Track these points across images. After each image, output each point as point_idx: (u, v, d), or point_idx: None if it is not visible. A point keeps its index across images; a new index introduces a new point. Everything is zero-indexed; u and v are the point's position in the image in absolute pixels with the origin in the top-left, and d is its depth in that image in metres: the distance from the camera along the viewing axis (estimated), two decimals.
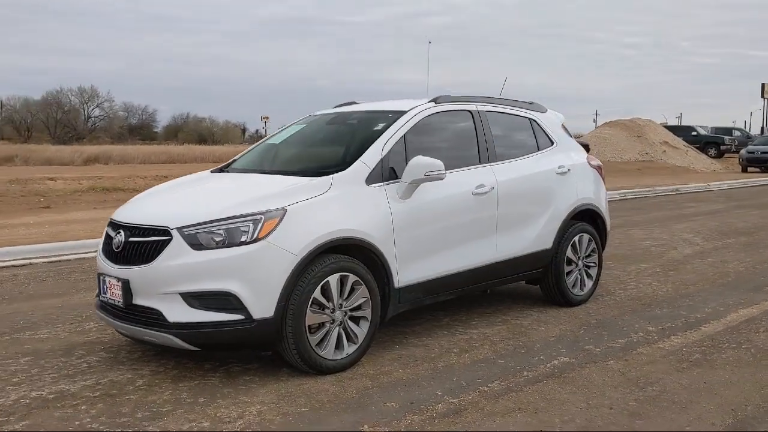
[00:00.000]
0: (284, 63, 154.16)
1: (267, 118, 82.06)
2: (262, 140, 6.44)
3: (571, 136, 6.77)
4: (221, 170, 5.75)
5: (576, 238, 6.34)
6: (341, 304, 4.63)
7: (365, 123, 5.55)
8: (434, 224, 5.18)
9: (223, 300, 4.27)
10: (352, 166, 4.90)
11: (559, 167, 6.25)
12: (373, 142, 5.08)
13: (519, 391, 4.37)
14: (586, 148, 7.03)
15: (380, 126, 5.28)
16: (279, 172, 5.25)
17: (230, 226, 4.34)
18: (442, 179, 5.03)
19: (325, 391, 4.35)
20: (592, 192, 6.58)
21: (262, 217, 4.37)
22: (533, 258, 6.00)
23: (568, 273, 6.34)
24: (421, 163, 4.97)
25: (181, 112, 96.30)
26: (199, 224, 4.35)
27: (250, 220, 4.36)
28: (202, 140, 74.48)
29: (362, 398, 4.24)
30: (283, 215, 4.43)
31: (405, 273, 4.98)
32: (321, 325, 4.56)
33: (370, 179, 4.90)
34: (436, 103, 5.60)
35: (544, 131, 6.35)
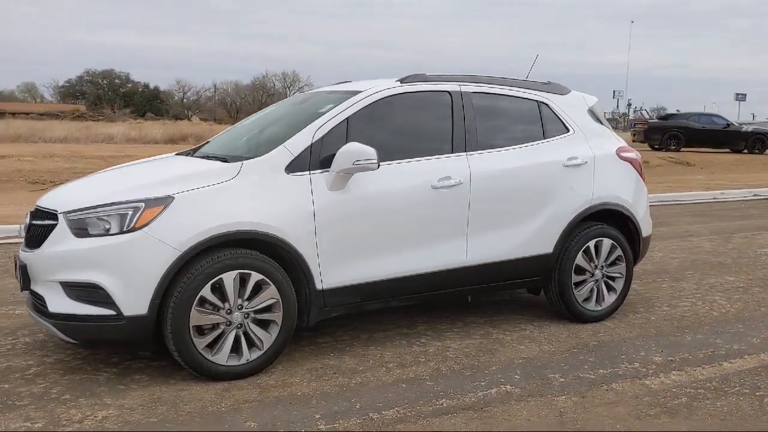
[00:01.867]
0: (475, 45, 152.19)
1: None
2: (240, 121, 6.08)
3: (602, 122, 5.74)
4: (187, 153, 5.48)
5: (591, 243, 5.37)
6: (241, 305, 4.18)
7: (315, 105, 5.00)
8: (375, 220, 4.56)
9: (93, 292, 3.98)
10: (271, 152, 4.41)
11: (570, 159, 5.31)
12: (307, 125, 4.55)
13: (412, 423, 3.71)
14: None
15: (325, 108, 4.73)
16: (214, 156, 4.86)
17: (111, 213, 4.04)
18: (373, 169, 4.39)
19: (198, 400, 3.95)
20: (620, 189, 5.54)
21: (143, 204, 4.02)
22: (525, 264, 5.15)
23: (579, 284, 5.39)
24: (350, 150, 4.37)
25: None
26: (82, 209, 4.10)
27: (131, 207, 4.02)
28: None
29: (229, 413, 3.80)
30: (168, 203, 4.05)
31: (332, 274, 4.42)
32: (215, 326, 4.14)
33: (293, 167, 4.38)
34: (402, 82, 4.93)
35: (557, 116, 5.42)
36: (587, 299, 5.43)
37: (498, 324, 5.43)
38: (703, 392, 4.17)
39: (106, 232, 4.01)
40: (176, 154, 5.45)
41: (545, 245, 5.20)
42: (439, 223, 4.77)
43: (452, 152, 4.90)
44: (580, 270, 5.38)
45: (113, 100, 72.46)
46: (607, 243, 5.45)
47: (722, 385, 4.30)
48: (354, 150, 4.34)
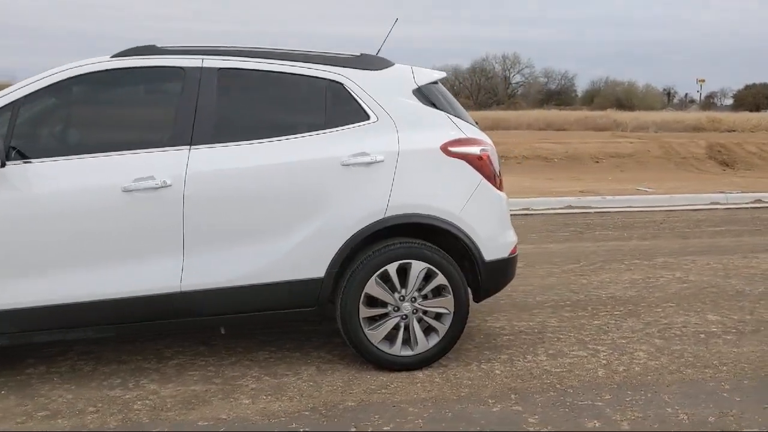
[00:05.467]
0: (727, 22, 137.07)
1: (703, 80, 75.20)
2: None
3: (439, 105, 4.29)
4: None
5: (392, 267, 4.03)
6: None
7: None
8: (33, 231, 3.69)
9: None
10: None
11: (354, 155, 4.00)
12: None
13: None
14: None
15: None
16: None
17: None
18: None
19: None
20: (441, 195, 4.11)
21: None
22: (281, 291, 3.97)
23: (374, 319, 4.09)
24: None
25: (600, 77, 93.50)
26: None
27: None
28: (620, 105, 71.18)
29: None
30: None
31: None
32: None
33: None
34: (113, 57, 3.97)
35: (355, 99, 4.11)
36: (391, 339, 4.10)
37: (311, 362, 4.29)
38: None
39: None
40: None
41: (312, 267, 3.97)
42: (134, 236, 3.77)
43: (171, 145, 3.86)
44: (374, 301, 4.07)
45: None
46: (418, 267, 4.06)
47: None
48: None
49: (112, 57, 3.95)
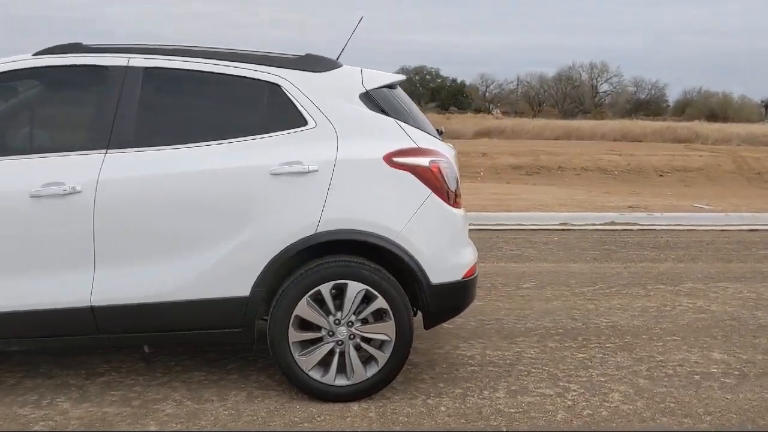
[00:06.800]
0: None
1: None
2: None
3: (387, 112, 3.88)
4: None
5: (325, 287, 3.67)
6: None
7: None
8: None
9: None
10: None
11: (285, 164, 3.65)
12: None
13: None
14: (439, 132, 4.05)
15: None
16: None
17: None
18: None
19: None
20: (381, 210, 3.70)
21: None
22: (203, 309, 3.66)
23: (307, 344, 3.73)
24: None
25: (693, 87, 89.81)
26: None
27: None
28: (713, 117, 68.18)
29: None
30: None
31: None
32: None
33: None
34: (35, 55, 3.75)
35: (292, 103, 3.76)
36: (324, 367, 3.73)
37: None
38: None
39: None
40: None
41: (236, 285, 3.65)
42: (41, 246, 3.54)
43: (86, 149, 3.61)
44: (306, 325, 3.71)
45: (422, 95, 75.59)
46: (354, 288, 3.67)
47: None
48: None
49: (34, 55, 3.74)
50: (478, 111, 71.67)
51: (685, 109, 75.72)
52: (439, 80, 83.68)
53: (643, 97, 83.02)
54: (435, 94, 78.89)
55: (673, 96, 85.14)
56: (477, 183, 14.39)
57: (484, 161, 17.58)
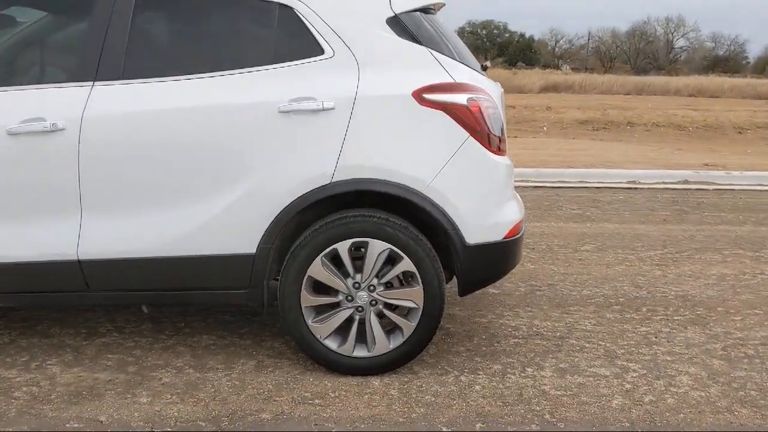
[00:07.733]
0: None
1: None
2: None
3: (420, 40, 3.28)
4: None
5: (342, 246, 3.16)
6: None
7: None
8: None
9: None
10: None
11: (296, 100, 3.12)
12: None
13: None
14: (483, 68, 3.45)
15: None
16: None
17: None
18: None
19: None
20: (409, 157, 3.15)
21: None
22: (200, 268, 3.21)
23: (321, 309, 3.24)
24: None
25: None
26: None
27: None
28: None
29: None
30: None
31: None
32: None
33: None
34: None
35: (307, 28, 3.21)
36: (342, 336, 3.25)
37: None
38: None
39: None
40: None
41: (240, 241, 3.17)
42: (21, 190, 3.13)
43: (71, 81, 3.16)
44: (321, 288, 3.22)
45: (489, 50, 73.90)
46: (376, 248, 3.16)
47: None
48: None
49: None
50: (546, 67, 69.52)
51: (767, 66, 72.00)
52: (507, 35, 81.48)
53: (722, 53, 79.20)
54: (502, 50, 76.92)
55: (754, 53, 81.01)
56: (540, 138, 13.60)
57: (548, 115, 16.70)
